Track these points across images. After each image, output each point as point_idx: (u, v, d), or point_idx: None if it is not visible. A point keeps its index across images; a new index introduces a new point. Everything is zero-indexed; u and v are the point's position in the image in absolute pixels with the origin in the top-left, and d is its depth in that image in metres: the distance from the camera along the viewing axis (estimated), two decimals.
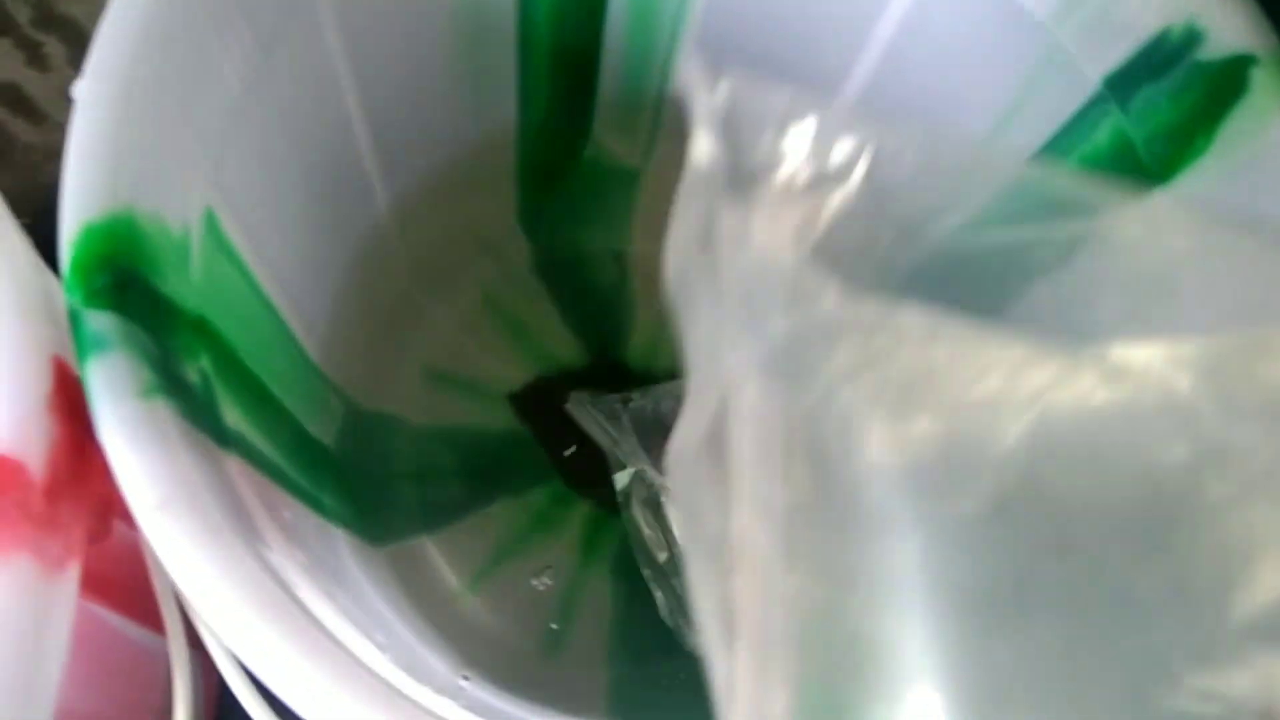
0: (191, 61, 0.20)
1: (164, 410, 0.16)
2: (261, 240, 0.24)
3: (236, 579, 0.15)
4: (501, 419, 0.33)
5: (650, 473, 0.26)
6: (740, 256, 0.12)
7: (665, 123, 0.31)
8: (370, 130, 0.28)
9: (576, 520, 0.32)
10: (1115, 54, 0.21)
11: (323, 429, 0.28)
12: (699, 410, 0.13)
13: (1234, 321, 0.13)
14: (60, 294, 0.17)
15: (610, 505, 0.30)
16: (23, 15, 0.28)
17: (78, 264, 0.17)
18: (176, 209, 0.20)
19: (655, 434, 0.26)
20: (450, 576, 0.31)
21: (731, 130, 0.13)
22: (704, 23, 0.28)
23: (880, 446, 0.12)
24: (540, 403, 0.32)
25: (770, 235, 0.13)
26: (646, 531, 0.27)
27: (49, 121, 0.28)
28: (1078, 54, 0.22)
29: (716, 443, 0.13)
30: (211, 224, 0.21)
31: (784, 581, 0.12)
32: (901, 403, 0.12)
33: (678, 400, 0.27)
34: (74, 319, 0.16)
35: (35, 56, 0.29)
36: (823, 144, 0.13)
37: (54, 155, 0.17)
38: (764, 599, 0.12)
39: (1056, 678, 0.12)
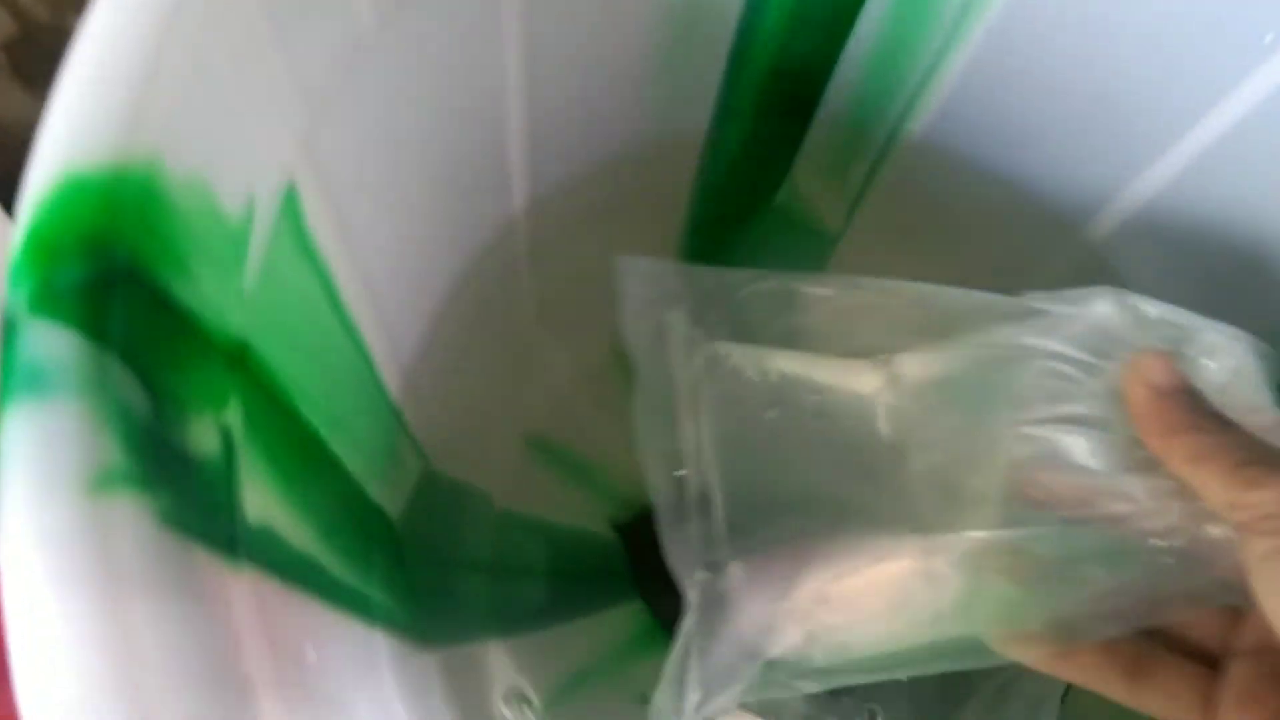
0: None
1: (126, 517, 0.09)
2: (356, 236, 0.17)
3: None
4: (601, 519, 0.26)
5: None
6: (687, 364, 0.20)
7: (881, 183, 0.25)
8: (527, 108, 0.21)
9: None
10: None
11: (388, 493, 0.21)
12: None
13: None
14: None
15: None
16: None
17: (37, 237, 0.10)
18: (239, 179, 0.13)
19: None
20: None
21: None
22: (982, 59, 0.20)
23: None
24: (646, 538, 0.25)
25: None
26: None
27: None
28: None
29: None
30: (291, 207, 0.15)
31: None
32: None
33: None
34: (8, 330, 0.10)
35: None
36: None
37: None
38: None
39: None
